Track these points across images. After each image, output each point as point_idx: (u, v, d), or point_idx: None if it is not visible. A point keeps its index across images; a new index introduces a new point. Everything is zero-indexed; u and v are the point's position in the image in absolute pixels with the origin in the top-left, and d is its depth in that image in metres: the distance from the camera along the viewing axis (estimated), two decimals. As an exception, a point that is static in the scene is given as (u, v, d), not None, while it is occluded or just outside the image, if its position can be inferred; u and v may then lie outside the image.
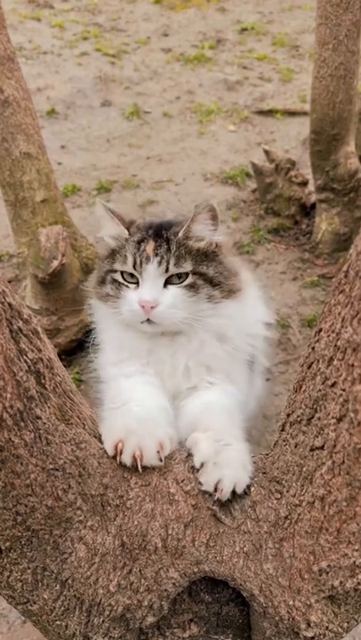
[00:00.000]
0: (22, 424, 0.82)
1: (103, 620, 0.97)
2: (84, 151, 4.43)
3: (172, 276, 1.30)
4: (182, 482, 0.99)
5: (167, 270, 1.29)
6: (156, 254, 1.29)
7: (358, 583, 0.88)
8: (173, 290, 1.29)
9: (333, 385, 0.80)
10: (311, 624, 0.93)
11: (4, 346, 0.80)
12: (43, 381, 0.87)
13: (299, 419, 0.92)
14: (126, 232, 1.36)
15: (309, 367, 0.89)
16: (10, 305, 0.83)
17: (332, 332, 0.82)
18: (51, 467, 0.87)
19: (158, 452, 1.01)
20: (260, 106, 5.07)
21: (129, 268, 1.31)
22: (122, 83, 5.38)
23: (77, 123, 4.78)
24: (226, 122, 4.86)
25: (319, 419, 0.85)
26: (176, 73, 5.64)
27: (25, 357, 0.83)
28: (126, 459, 0.99)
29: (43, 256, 2.34)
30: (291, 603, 0.92)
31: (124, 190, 3.96)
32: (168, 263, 1.29)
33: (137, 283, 1.32)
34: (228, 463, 1.00)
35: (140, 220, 1.45)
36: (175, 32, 6.46)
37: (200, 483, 0.99)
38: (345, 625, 0.98)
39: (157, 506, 0.96)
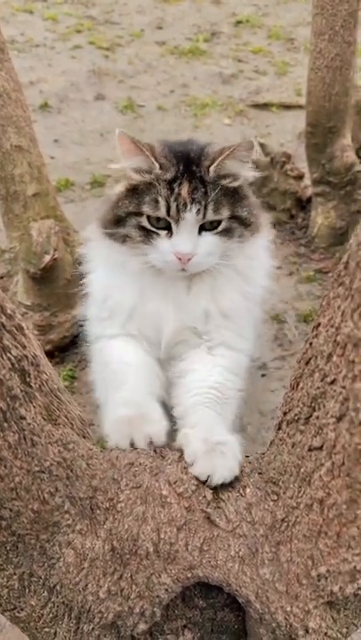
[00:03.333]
0: (5, 425, 0.78)
1: (93, 628, 0.93)
2: (77, 145, 4.37)
3: (205, 222, 1.20)
4: (175, 483, 0.95)
5: (205, 217, 1.19)
6: (193, 200, 1.16)
7: (359, 588, 0.85)
8: (209, 237, 1.21)
9: (333, 382, 0.77)
10: (309, 630, 0.90)
11: (-14, 342, 0.76)
12: (28, 379, 0.83)
13: (296, 417, 0.88)
14: (157, 165, 1.19)
15: (307, 363, 0.85)
16: (-8, 299, 0.79)
17: (331, 326, 0.78)
18: (36, 469, 0.83)
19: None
20: (256, 99, 5.02)
21: (161, 214, 1.18)
22: (116, 76, 5.31)
23: (71, 116, 4.72)
24: (221, 115, 4.81)
25: (318, 418, 0.81)
26: (170, 66, 5.58)
27: (8, 354, 0.79)
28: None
29: (34, 251, 2.30)
30: (288, 609, 0.89)
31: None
32: (206, 209, 1.18)
33: (168, 228, 1.20)
34: (220, 452, 0.99)
35: (158, 144, 1.28)
36: (169, 25, 6.39)
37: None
38: (344, 630, 0.94)
39: (149, 509, 0.92)
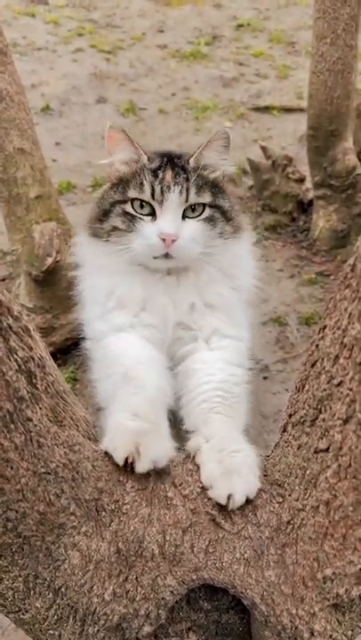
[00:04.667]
0: (12, 426, 0.78)
1: (98, 630, 0.93)
2: (78, 148, 4.38)
3: (187, 208, 1.24)
4: (180, 485, 0.95)
5: (187, 200, 1.23)
6: (176, 183, 1.22)
7: (364, 591, 0.85)
8: (192, 223, 1.24)
9: (339, 384, 0.77)
10: (315, 633, 0.90)
11: (-7, 344, 0.76)
12: (34, 381, 0.83)
13: (302, 419, 0.88)
14: (145, 156, 1.27)
15: (313, 366, 0.86)
16: (-1, 301, 0.79)
17: (338, 328, 0.78)
18: (42, 471, 0.83)
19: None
20: (257, 102, 5.04)
21: (146, 196, 1.23)
22: (117, 79, 5.33)
23: (72, 119, 4.73)
24: (222, 118, 4.82)
25: (324, 420, 0.81)
26: (172, 69, 5.60)
27: (15, 356, 0.79)
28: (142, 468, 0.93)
29: (37, 253, 2.30)
30: (294, 611, 0.88)
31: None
32: (188, 192, 1.23)
33: (152, 214, 1.24)
34: (237, 472, 0.94)
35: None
36: (171, 28, 6.42)
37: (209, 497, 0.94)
38: (349, 633, 0.94)
39: (154, 510, 0.92)
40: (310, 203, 3.40)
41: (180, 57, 5.81)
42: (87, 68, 5.39)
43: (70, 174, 4.03)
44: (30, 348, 0.83)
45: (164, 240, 1.19)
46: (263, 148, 3.47)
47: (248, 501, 0.94)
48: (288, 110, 4.88)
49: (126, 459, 0.93)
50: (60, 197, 3.51)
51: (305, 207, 3.47)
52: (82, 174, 4.04)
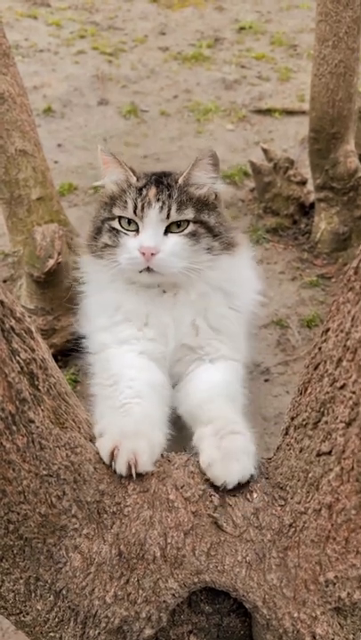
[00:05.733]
0: (14, 428, 0.78)
1: (99, 633, 0.93)
2: (80, 150, 4.38)
3: (172, 224, 1.26)
4: (182, 488, 0.95)
5: (169, 216, 1.26)
6: (158, 199, 1.26)
7: (366, 594, 0.84)
8: (175, 238, 1.26)
9: (342, 387, 0.76)
10: (317, 637, 0.89)
11: (-5, 345, 0.75)
12: (36, 383, 0.83)
13: (304, 422, 0.88)
14: (134, 177, 1.33)
15: (316, 368, 0.85)
16: (1, 303, 0.79)
17: (341, 331, 0.78)
18: (44, 473, 0.83)
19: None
20: (259, 105, 5.03)
21: (129, 213, 1.28)
22: (119, 81, 5.33)
23: (74, 121, 4.73)
24: (224, 121, 4.82)
25: (326, 422, 0.81)
26: (173, 72, 5.60)
27: (17, 358, 0.79)
28: (121, 467, 0.94)
29: (38, 255, 2.30)
30: (296, 615, 0.88)
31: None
32: (170, 209, 1.26)
33: (136, 230, 1.28)
34: (233, 455, 0.96)
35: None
36: (172, 31, 6.42)
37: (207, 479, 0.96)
38: (351, 637, 0.94)
39: (156, 513, 0.92)
40: (312, 205, 3.39)
41: (182, 59, 5.81)
42: (89, 70, 5.40)
43: (72, 176, 4.02)
44: (32, 350, 0.83)
45: (144, 254, 1.22)
46: (265, 151, 3.46)
47: (242, 485, 0.95)
48: (290, 113, 4.88)
49: (129, 464, 0.94)
50: (62, 199, 3.51)
51: (306, 210, 3.47)
52: (84, 176, 4.04)
